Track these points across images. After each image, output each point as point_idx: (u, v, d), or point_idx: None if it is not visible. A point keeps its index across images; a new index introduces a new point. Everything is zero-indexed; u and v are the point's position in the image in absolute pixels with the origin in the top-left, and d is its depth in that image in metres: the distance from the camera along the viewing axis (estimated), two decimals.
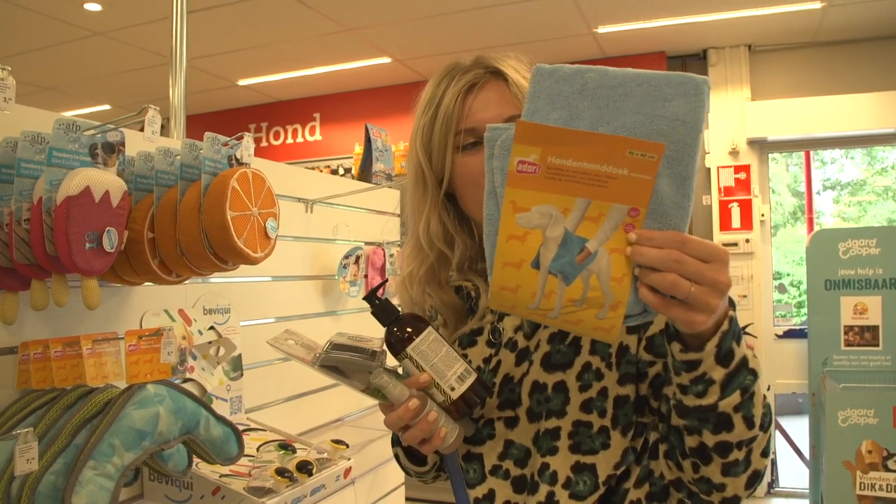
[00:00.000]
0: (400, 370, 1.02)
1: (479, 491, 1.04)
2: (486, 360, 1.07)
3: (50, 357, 1.19)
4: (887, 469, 3.54)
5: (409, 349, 0.97)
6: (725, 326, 0.79)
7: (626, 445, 0.97)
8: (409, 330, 0.98)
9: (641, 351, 0.98)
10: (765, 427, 0.87)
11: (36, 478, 1.01)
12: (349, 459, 1.66)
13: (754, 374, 0.83)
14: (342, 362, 0.99)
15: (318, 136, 6.25)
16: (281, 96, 6.17)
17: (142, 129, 1.34)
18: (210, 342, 1.68)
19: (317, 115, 6.25)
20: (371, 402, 2.56)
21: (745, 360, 0.82)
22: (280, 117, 6.32)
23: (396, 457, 1.19)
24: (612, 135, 0.75)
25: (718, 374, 0.81)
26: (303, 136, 6.30)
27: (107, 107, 6.02)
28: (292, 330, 1.09)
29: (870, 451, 3.56)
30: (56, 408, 1.13)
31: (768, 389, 4.69)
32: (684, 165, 0.76)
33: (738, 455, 0.86)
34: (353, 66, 5.34)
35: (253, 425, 1.77)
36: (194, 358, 1.63)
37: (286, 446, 1.58)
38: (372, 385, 0.98)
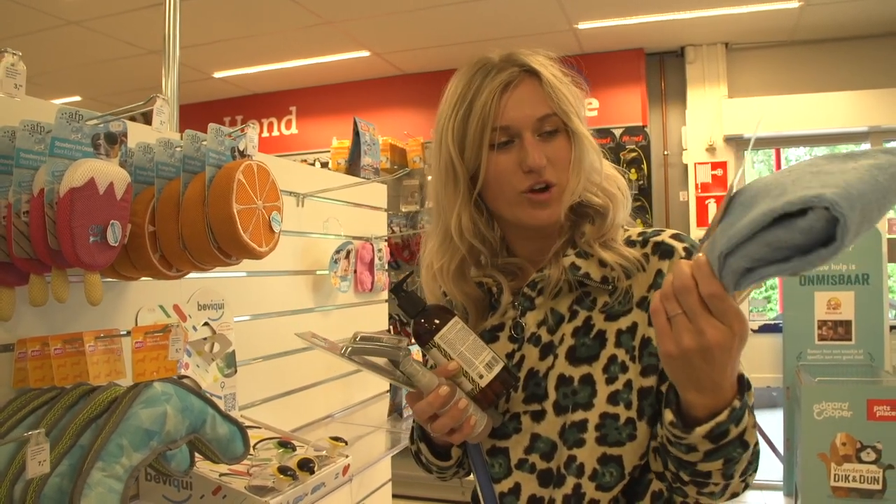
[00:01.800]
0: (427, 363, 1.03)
1: (505, 485, 1.04)
2: (510, 356, 1.07)
3: (49, 354, 1.15)
4: (861, 461, 3.61)
5: (436, 338, 0.99)
6: (722, 417, 0.80)
7: (650, 435, 0.98)
8: (436, 320, 0.99)
9: (654, 344, 0.99)
10: (746, 475, 0.91)
11: (41, 480, 0.97)
12: (347, 457, 1.64)
13: (745, 445, 0.85)
14: (370, 351, 1.00)
15: (294, 130, 6.19)
16: (257, 89, 6.09)
17: (133, 119, 1.31)
18: (205, 338, 1.65)
19: (293, 109, 6.19)
20: (360, 397, 2.55)
21: (740, 435, 0.83)
22: (256, 110, 6.23)
23: (417, 453, 1.18)
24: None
25: (704, 446, 0.83)
26: (279, 129, 6.23)
27: (77, 97, 5.88)
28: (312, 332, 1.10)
29: (844, 444, 3.63)
30: (57, 407, 1.09)
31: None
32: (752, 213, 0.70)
33: (714, 489, 0.90)
34: (332, 60, 5.29)
35: (247, 423, 1.74)
36: (189, 355, 1.59)
37: (285, 444, 1.55)
38: (401, 373, 0.99)
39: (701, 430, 0.81)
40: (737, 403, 0.81)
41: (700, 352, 0.74)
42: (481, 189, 1.06)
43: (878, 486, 3.58)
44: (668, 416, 0.86)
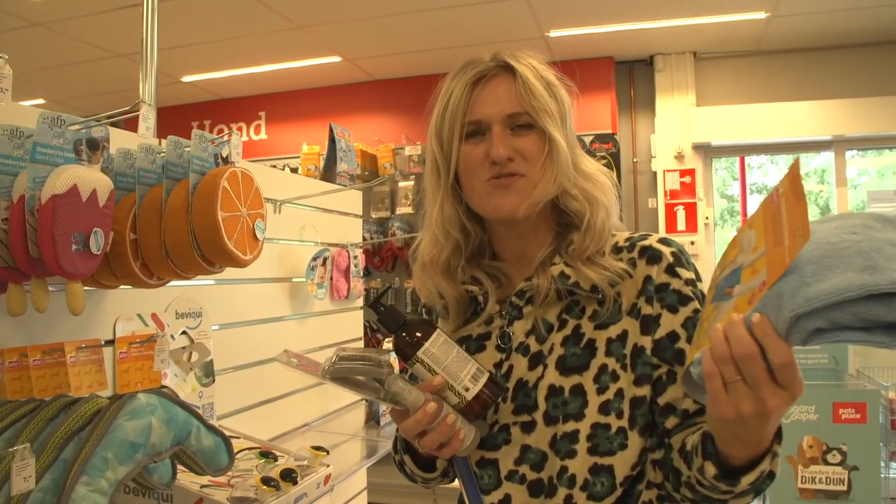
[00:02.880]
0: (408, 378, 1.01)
1: (495, 496, 1.03)
2: (497, 365, 1.06)
3: (28, 366, 1.12)
4: (827, 462, 3.68)
5: (419, 353, 0.97)
6: (765, 465, 0.80)
7: (643, 445, 0.98)
8: (418, 334, 0.98)
9: (648, 354, 1.00)
10: None
11: (22, 495, 0.94)
12: (328, 466, 1.63)
13: (773, 476, 0.85)
14: (352, 371, 0.98)
15: (263, 135, 6.12)
16: (226, 94, 6.01)
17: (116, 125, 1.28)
18: (183, 347, 1.62)
19: (262, 114, 6.12)
20: (336, 406, 2.53)
21: (770, 469, 0.83)
22: (224, 115, 6.15)
23: (401, 463, 1.16)
24: (807, 208, 0.69)
25: (741, 489, 0.84)
26: (247, 134, 6.16)
27: (40, 101, 5.76)
28: (290, 351, 1.08)
29: (811, 446, 3.69)
30: (37, 420, 1.06)
31: None
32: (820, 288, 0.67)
33: None
34: (303, 65, 5.25)
35: (227, 433, 1.71)
36: (167, 364, 1.56)
37: (267, 454, 1.53)
38: (385, 392, 0.97)
39: (746, 479, 0.81)
40: (777, 448, 0.81)
41: (758, 416, 0.72)
42: (460, 182, 1.07)
43: (844, 487, 3.65)
44: (711, 469, 0.84)
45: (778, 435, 0.81)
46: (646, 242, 1.04)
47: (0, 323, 1.18)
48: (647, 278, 1.01)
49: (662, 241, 1.04)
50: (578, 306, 1.04)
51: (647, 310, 1.01)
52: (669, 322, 0.99)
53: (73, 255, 1.04)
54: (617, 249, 1.05)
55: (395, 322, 1.00)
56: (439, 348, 0.97)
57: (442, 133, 1.05)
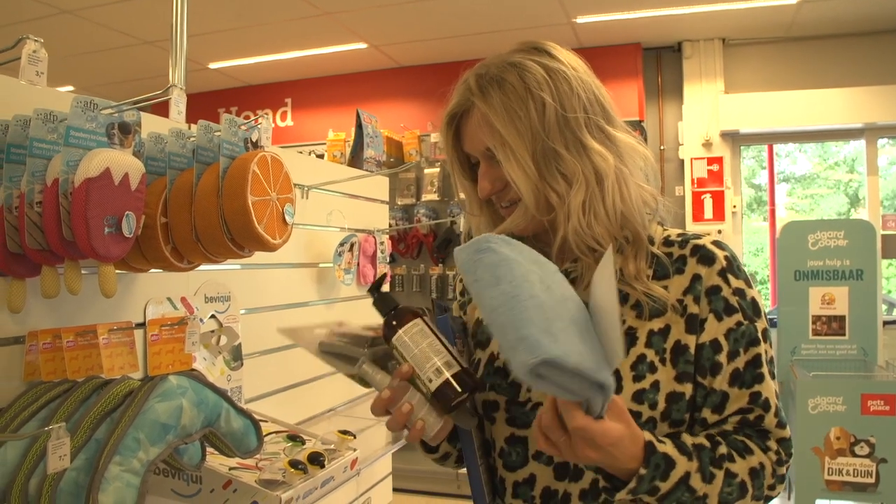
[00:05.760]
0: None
1: (520, 475, 1.03)
2: None
3: (62, 347, 1.13)
4: (854, 454, 3.63)
5: (393, 340, 0.98)
6: (633, 484, 0.89)
7: (670, 433, 0.98)
8: (394, 322, 0.99)
9: (691, 353, 1.00)
10: (744, 498, 0.95)
11: (57, 474, 0.96)
12: (355, 450, 1.63)
13: (692, 491, 0.91)
14: (333, 348, 1.04)
15: (289, 122, 6.15)
16: (252, 80, 6.05)
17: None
18: (212, 331, 1.63)
19: (288, 101, 6.15)
20: (362, 391, 2.54)
21: (681, 482, 0.90)
22: (251, 102, 6.19)
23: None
24: None
25: (650, 500, 0.92)
26: (274, 121, 6.19)
27: (70, 87, 5.82)
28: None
29: (838, 438, 3.65)
30: (70, 401, 1.08)
31: None
32: None
33: None
34: (329, 51, 5.26)
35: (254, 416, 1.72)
36: (198, 347, 1.58)
37: (294, 437, 1.55)
38: (356, 373, 1.00)
39: (621, 493, 0.90)
40: (642, 471, 0.88)
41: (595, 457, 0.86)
42: None
43: (872, 480, 3.60)
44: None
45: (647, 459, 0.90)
46: (699, 242, 1.04)
47: (33, 305, 1.20)
48: (697, 277, 1.01)
49: (716, 243, 1.04)
50: (621, 293, 1.03)
51: (693, 308, 1.00)
52: (714, 329, 0.99)
53: (105, 238, 1.05)
54: (668, 243, 1.05)
55: (386, 307, 1.01)
56: (411, 338, 0.97)
57: (452, 175, 1.15)
